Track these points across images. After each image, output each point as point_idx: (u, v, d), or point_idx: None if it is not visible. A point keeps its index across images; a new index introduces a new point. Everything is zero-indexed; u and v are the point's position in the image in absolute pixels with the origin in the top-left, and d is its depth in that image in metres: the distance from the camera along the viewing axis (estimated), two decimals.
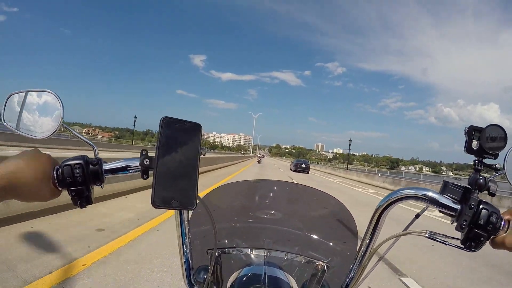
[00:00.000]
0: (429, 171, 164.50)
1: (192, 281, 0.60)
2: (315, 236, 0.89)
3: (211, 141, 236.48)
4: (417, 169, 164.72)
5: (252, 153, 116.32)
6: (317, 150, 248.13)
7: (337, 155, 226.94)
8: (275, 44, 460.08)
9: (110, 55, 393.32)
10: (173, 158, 0.44)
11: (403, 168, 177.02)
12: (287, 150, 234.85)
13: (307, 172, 25.34)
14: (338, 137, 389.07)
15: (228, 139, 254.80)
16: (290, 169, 26.72)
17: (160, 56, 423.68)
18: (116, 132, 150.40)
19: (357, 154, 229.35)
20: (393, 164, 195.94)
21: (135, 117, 45.20)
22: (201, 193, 0.55)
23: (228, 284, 0.73)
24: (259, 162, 32.77)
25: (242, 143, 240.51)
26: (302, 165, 25.96)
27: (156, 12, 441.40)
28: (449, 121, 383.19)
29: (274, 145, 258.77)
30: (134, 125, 47.57)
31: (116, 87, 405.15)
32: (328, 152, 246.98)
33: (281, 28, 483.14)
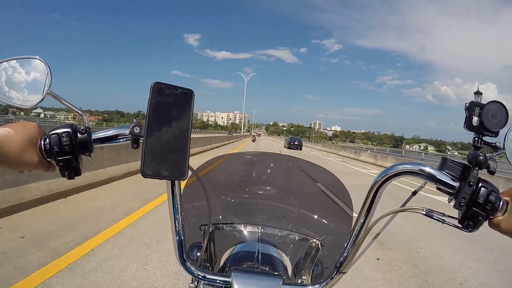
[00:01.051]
0: (434, 150, 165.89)
1: (184, 258, 0.59)
2: (309, 214, 0.90)
3: (205, 120, 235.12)
4: (421, 148, 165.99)
5: (247, 131, 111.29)
6: (316, 128, 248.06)
7: (337, 133, 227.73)
8: (271, 21, 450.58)
9: (102, 37, 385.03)
10: (164, 125, 0.44)
11: (407, 146, 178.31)
12: (285, 128, 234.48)
13: (300, 149, 27.90)
14: (335, 114, 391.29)
15: (222, 118, 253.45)
16: (284, 146, 29.42)
17: (153, 37, 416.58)
18: (105, 116, 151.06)
19: (356, 131, 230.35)
20: (397, 142, 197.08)
21: None
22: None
23: (222, 261, 0.73)
24: (253, 141, 34.98)
25: (237, 122, 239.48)
26: (295, 142, 29.03)
27: None
28: (446, 100, 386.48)
29: (271, 123, 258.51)
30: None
31: (109, 71, 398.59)
32: (326, 129, 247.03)
33: (277, 4, 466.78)
